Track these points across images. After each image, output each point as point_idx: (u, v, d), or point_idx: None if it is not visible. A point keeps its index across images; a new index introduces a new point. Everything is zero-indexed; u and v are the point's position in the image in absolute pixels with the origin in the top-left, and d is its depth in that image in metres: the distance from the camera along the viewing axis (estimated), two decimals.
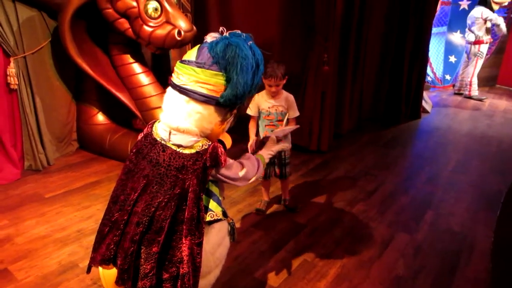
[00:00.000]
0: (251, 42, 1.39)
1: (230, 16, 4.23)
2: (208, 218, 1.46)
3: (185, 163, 1.36)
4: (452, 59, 7.80)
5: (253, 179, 1.57)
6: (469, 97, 7.22)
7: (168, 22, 3.03)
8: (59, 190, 3.12)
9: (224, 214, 1.57)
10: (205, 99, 1.35)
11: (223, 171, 1.44)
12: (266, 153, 1.77)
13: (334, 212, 2.92)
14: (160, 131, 1.45)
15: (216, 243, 1.52)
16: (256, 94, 2.63)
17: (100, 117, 3.79)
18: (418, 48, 5.27)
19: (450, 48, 7.76)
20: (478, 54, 6.96)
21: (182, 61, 1.40)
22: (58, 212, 2.82)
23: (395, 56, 5.22)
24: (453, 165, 3.89)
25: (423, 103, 5.85)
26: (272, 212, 2.92)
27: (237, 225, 2.66)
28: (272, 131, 2.56)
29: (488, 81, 7.95)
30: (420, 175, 3.64)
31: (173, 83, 1.41)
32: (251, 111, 2.66)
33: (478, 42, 6.93)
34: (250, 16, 4.16)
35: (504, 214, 2.94)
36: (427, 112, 5.96)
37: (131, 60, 3.41)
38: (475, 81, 7.19)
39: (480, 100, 7.12)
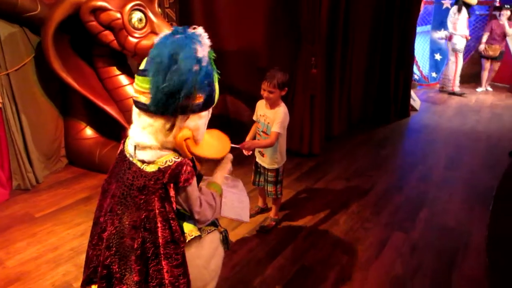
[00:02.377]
0: (178, 35, 1.22)
1: (216, 24, 4.23)
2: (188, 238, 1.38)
3: (146, 183, 1.26)
4: (438, 57, 7.90)
5: (210, 221, 1.44)
6: (453, 93, 7.31)
7: (153, 32, 3.00)
8: (50, 208, 3.05)
9: (214, 223, 1.53)
10: (148, 109, 1.22)
11: (183, 195, 1.30)
12: (221, 178, 1.59)
13: (330, 214, 2.90)
14: (129, 146, 1.38)
15: (209, 256, 1.48)
16: (260, 100, 2.56)
17: (89, 131, 3.73)
18: (404, 47, 5.33)
19: (435, 46, 7.87)
20: (457, 49, 7.08)
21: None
22: (50, 231, 2.75)
23: (382, 56, 5.27)
24: (444, 162, 3.92)
25: (411, 102, 5.90)
26: (264, 215, 2.88)
27: (232, 233, 2.63)
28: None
29: (472, 77, 8.07)
30: (413, 174, 3.65)
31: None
32: (254, 115, 2.59)
33: (450, 37, 7.06)
34: (237, 23, 4.16)
35: (496, 209, 2.96)
36: (415, 110, 6.01)
37: (117, 72, 3.38)
38: (457, 76, 7.29)
39: (461, 95, 7.22)
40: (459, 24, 6.97)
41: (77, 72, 3.31)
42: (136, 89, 1.26)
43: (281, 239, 2.59)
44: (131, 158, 1.35)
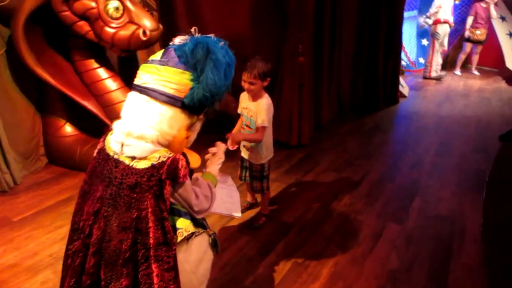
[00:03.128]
0: (222, 42, 1.27)
1: (198, 12, 4.05)
2: (178, 238, 1.32)
3: (138, 180, 1.19)
4: (425, 42, 7.85)
5: (208, 211, 1.40)
6: (428, 78, 7.29)
7: (131, 21, 2.84)
8: (28, 211, 2.90)
9: (202, 225, 1.44)
10: (167, 99, 1.20)
11: (181, 190, 1.26)
12: (215, 168, 1.54)
13: (322, 207, 2.82)
14: (112, 144, 1.28)
15: (197, 260, 1.40)
16: (243, 93, 2.44)
17: (68, 128, 3.55)
18: (392, 34, 5.25)
19: (421, 32, 7.81)
20: (435, 35, 7.05)
21: (146, 62, 1.29)
22: (28, 236, 2.60)
23: (370, 43, 5.17)
24: (435, 149, 3.86)
25: (400, 88, 5.84)
26: (255, 210, 2.78)
27: (221, 231, 2.53)
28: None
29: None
30: (404, 162, 3.59)
31: (134, 84, 1.27)
32: (239, 107, 2.48)
33: (435, 22, 7.02)
34: (220, 10, 4.00)
35: (489, 195, 2.92)
36: (404, 96, 5.96)
37: (96, 65, 3.20)
38: (434, 62, 7.25)
39: (439, 79, 7.20)
40: (442, 9, 6.91)
41: (52, 66, 3.13)
42: (156, 77, 1.22)
43: (272, 236, 2.50)
44: (116, 156, 1.25)
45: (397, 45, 5.47)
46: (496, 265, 2.20)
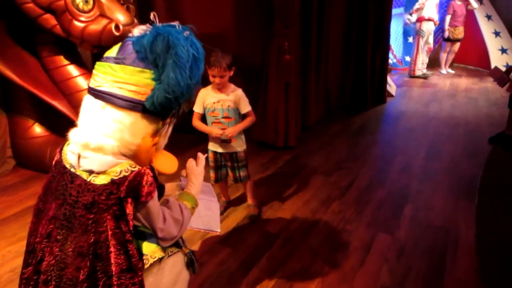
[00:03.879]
0: (188, 32, 1.06)
1: (179, 8, 3.84)
2: (145, 266, 1.15)
3: (96, 198, 1.02)
4: (411, 39, 7.78)
5: (176, 239, 1.19)
6: (413, 77, 7.24)
7: (103, 15, 2.61)
8: None
9: (176, 244, 1.25)
10: (125, 104, 1.03)
11: (144, 211, 1.07)
12: (196, 189, 1.33)
13: (308, 216, 2.66)
14: (68, 155, 1.11)
15: (170, 283, 1.22)
16: (203, 88, 2.39)
17: (38, 129, 3.31)
18: (380, 31, 5.12)
19: (408, 29, 7.73)
20: (420, 33, 7.00)
21: (100, 59, 1.09)
22: None
23: (358, 41, 5.04)
24: (424, 152, 3.75)
25: (387, 87, 5.74)
26: (237, 219, 2.61)
27: (199, 242, 2.35)
28: (222, 129, 2.37)
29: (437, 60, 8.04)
30: (393, 165, 3.46)
31: (89, 87, 1.09)
32: (197, 107, 2.40)
33: (419, 19, 6.98)
34: (202, 6, 3.79)
35: (482, 203, 2.81)
36: (391, 95, 5.86)
37: (65, 62, 2.97)
38: (418, 60, 7.21)
39: (425, 78, 7.16)
40: (427, 7, 6.85)
41: (17, 62, 2.90)
42: (111, 79, 1.04)
43: (255, 248, 2.32)
44: (72, 170, 1.08)
45: (385, 43, 5.36)
46: (491, 279, 2.08)
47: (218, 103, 2.36)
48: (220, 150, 2.46)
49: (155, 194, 1.10)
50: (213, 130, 2.36)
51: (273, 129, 3.72)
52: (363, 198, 2.88)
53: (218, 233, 1.49)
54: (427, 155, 3.66)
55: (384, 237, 2.40)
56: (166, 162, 1.21)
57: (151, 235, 1.17)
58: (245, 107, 2.39)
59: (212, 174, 2.54)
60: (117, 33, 2.63)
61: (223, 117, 2.37)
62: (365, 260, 2.20)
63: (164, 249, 1.20)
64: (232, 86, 2.39)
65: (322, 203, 2.81)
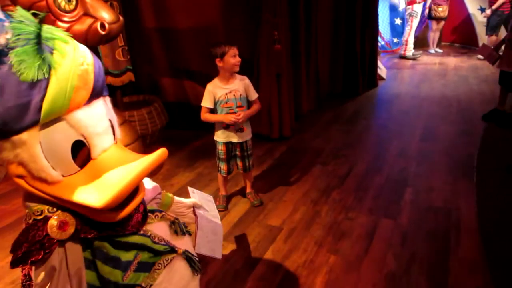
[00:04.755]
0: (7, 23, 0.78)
1: (164, 1, 3.74)
2: None
3: None
4: (398, 21, 7.75)
5: None
6: (404, 57, 7.26)
7: (87, 14, 2.51)
8: None
9: (171, 249, 1.10)
10: None
11: None
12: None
13: (309, 206, 2.64)
14: None
15: None
16: (209, 84, 2.39)
17: None
18: (368, 14, 5.07)
19: (394, 11, 7.70)
20: (412, 14, 6.99)
21: None
22: None
23: (347, 26, 4.99)
24: (420, 134, 3.75)
25: (378, 70, 5.72)
26: (239, 215, 2.59)
27: None
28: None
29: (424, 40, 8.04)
30: (390, 150, 3.45)
31: None
32: (206, 102, 2.39)
33: (410, 2, 6.96)
34: None
35: (480, 181, 2.82)
36: (383, 79, 5.85)
37: None
38: (410, 40, 7.24)
39: (414, 58, 7.17)
40: None
41: None
42: None
43: (258, 243, 2.30)
44: None
45: (374, 27, 5.32)
46: (496, 256, 2.09)
47: (231, 94, 2.36)
48: (235, 139, 2.46)
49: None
50: (227, 116, 2.35)
51: (267, 120, 3.69)
52: (363, 185, 2.87)
53: (219, 259, 1.42)
54: (423, 137, 3.66)
55: (386, 223, 2.40)
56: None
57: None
58: (254, 94, 2.45)
59: (224, 167, 2.54)
60: (103, 32, 2.54)
61: (237, 107, 2.38)
62: (370, 248, 2.19)
63: (157, 258, 1.05)
64: (238, 75, 2.41)
65: (322, 193, 2.80)
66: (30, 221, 0.88)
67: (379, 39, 7.49)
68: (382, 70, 6.00)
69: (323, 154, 3.43)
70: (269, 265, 2.11)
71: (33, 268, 0.88)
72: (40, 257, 0.86)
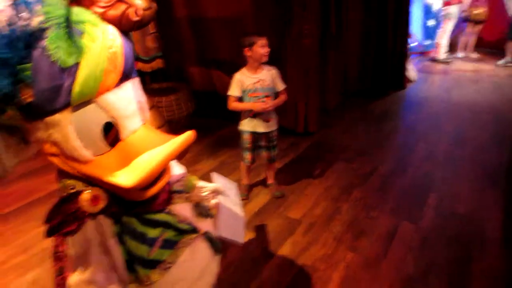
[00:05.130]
0: None
1: None
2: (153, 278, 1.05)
3: None
4: (431, 22, 7.54)
5: None
6: (435, 60, 7.05)
7: (121, 0, 2.59)
8: (18, 203, 2.74)
9: (192, 229, 1.15)
10: None
11: None
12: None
13: (330, 202, 2.65)
14: None
15: (195, 276, 1.15)
16: (237, 73, 2.42)
17: None
18: (401, 13, 4.97)
19: (428, 12, 7.49)
20: (447, 15, 6.78)
21: None
22: (18, 230, 2.45)
23: (378, 24, 4.91)
24: (448, 138, 3.67)
25: (407, 72, 5.60)
26: (260, 205, 2.63)
27: None
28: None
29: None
30: (416, 152, 3.40)
31: None
32: (234, 91, 2.41)
33: (446, 3, 6.74)
34: None
35: (510, 190, 2.74)
36: (412, 81, 5.72)
37: None
38: (443, 43, 7.01)
39: (447, 62, 6.96)
40: None
41: None
42: None
43: (277, 234, 2.33)
44: None
45: (406, 27, 5.19)
46: None
47: (258, 83, 2.38)
48: (261, 130, 2.48)
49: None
50: (255, 104, 2.38)
51: (293, 114, 3.69)
52: (386, 185, 2.85)
53: (241, 244, 1.46)
54: (451, 142, 3.58)
55: (407, 226, 2.38)
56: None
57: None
58: (282, 85, 2.46)
59: (248, 156, 2.57)
60: (136, 18, 2.60)
61: (265, 96, 2.40)
62: (389, 248, 2.18)
63: (181, 236, 1.11)
64: (266, 65, 2.43)
65: (344, 190, 2.79)
66: (64, 194, 0.93)
67: (411, 40, 7.35)
68: (412, 72, 5.86)
69: (348, 151, 3.41)
70: (286, 256, 2.14)
71: (66, 238, 0.93)
72: (73, 228, 0.91)
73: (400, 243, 2.22)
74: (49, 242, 1.04)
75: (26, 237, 2.38)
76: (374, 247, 2.19)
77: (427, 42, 7.65)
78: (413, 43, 7.43)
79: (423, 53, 7.68)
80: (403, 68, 5.37)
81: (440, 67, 6.82)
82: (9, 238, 2.38)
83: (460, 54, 7.51)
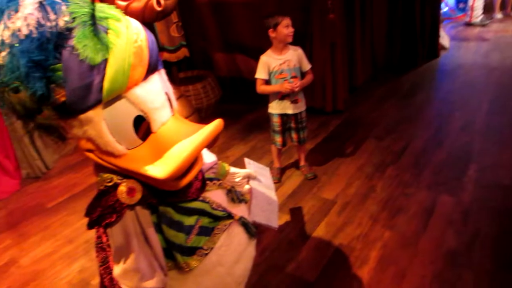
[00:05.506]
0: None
1: None
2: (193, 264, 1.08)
3: None
4: None
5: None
6: (470, 24, 6.64)
7: None
8: (62, 196, 2.87)
9: (228, 215, 1.16)
10: None
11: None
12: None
13: (364, 181, 2.60)
14: None
15: (233, 261, 1.17)
16: (263, 55, 2.39)
17: None
18: None
19: None
20: None
21: None
22: (63, 222, 2.58)
23: None
24: (487, 107, 3.48)
25: (440, 39, 5.33)
26: (293, 187, 2.62)
27: None
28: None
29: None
30: (452, 124, 3.26)
31: None
32: (261, 74, 2.39)
33: None
34: None
35: None
36: (445, 48, 5.45)
37: None
38: (478, 5, 6.59)
39: (483, 25, 6.54)
40: None
41: None
42: None
43: (312, 215, 2.32)
44: None
45: None
46: None
47: (285, 64, 2.36)
48: (290, 111, 2.46)
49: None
50: (283, 85, 2.34)
51: (321, 93, 3.62)
52: (421, 161, 2.76)
53: (275, 229, 1.46)
54: (490, 110, 3.40)
55: (447, 200, 2.30)
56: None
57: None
58: (308, 64, 2.43)
59: (279, 139, 2.56)
60: (159, 8, 2.61)
61: (292, 77, 2.37)
62: (428, 224, 2.13)
63: (216, 223, 1.13)
64: (291, 45, 2.39)
65: (377, 168, 2.73)
66: (102, 188, 0.95)
67: (442, 5, 6.97)
68: (444, 39, 5.58)
69: (378, 128, 3.32)
70: (322, 236, 2.13)
71: (107, 230, 0.96)
72: (113, 220, 0.93)
73: (439, 218, 2.16)
74: (92, 233, 1.14)
75: (71, 229, 2.50)
76: (412, 224, 2.14)
77: (461, 6, 7.24)
78: (445, 8, 7.06)
79: (456, 18, 7.29)
80: (436, 35, 5.10)
81: (475, 31, 6.45)
82: (55, 230, 2.51)
83: (498, 15, 7.06)
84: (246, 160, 1.46)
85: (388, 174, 2.64)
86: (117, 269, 1.00)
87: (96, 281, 1.99)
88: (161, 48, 3.53)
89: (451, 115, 3.42)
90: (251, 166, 1.43)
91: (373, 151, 2.96)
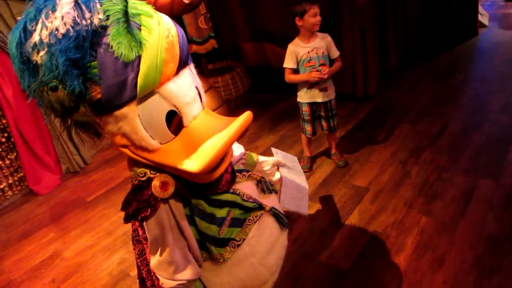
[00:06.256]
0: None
1: None
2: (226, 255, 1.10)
3: None
4: None
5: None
6: (510, 0, 6.21)
7: None
8: (100, 190, 2.99)
9: (259, 206, 1.16)
10: None
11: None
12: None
13: (398, 167, 2.53)
14: None
15: (265, 251, 1.17)
16: (290, 44, 2.36)
17: None
18: None
19: None
20: None
21: None
22: (102, 215, 2.69)
23: None
24: None
25: (479, 17, 5.05)
26: (324, 175, 2.59)
27: None
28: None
29: None
30: (491, 105, 3.10)
31: None
32: (289, 63, 2.37)
33: None
34: None
35: None
36: (484, 26, 5.16)
37: None
38: None
39: None
40: None
41: None
42: None
43: (344, 203, 2.29)
44: None
45: None
46: None
47: (313, 52, 2.32)
48: (319, 99, 2.44)
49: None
50: (311, 74, 2.31)
51: (351, 79, 3.54)
52: (458, 144, 2.65)
53: (305, 215, 1.45)
54: None
55: (487, 184, 2.20)
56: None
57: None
58: (336, 51, 2.39)
59: (309, 128, 2.55)
60: (187, 2, 2.64)
61: (320, 65, 2.34)
62: (467, 209, 2.05)
63: (247, 214, 1.13)
64: (319, 33, 2.35)
65: (412, 153, 2.65)
66: (136, 182, 0.97)
67: None
68: (483, 16, 5.28)
69: (413, 112, 3.21)
70: (356, 224, 2.10)
71: (143, 223, 0.99)
72: (148, 213, 0.96)
73: (478, 203, 2.07)
74: (129, 226, 1.20)
75: (109, 222, 2.60)
76: (450, 210, 2.07)
77: None
78: None
79: None
80: (475, 12, 4.83)
81: None
82: (94, 223, 2.62)
83: None
84: (273, 149, 1.46)
85: (423, 159, 2.55)
86: (153, 261, 1.04)
87: (134, 272, 2.07)
88: (189, 41, 3.56)
89: (490, 96, 3.25)
90: (279, 155, 1.42)
91: (407, 136, 2.87)
